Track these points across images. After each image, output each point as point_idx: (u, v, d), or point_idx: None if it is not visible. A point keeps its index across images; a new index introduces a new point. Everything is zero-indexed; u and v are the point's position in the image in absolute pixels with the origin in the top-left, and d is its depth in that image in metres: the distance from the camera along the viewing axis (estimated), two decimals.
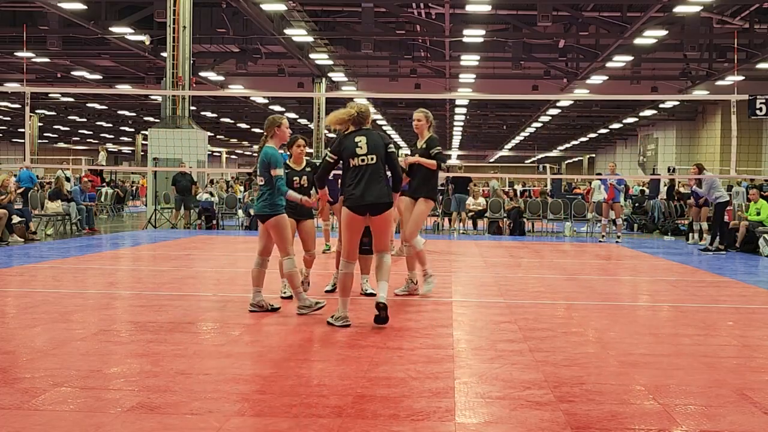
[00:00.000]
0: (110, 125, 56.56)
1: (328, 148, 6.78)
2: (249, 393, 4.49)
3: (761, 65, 26.69)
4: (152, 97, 37.49)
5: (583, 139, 58.89)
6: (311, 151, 37.52)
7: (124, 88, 35.54)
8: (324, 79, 32.95)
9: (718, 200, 14.97)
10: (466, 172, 37.99)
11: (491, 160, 76.75)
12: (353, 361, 5.30)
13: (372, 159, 6.46)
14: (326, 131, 35.65)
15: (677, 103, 38.47)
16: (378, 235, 6.63)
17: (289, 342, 6.10)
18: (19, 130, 54.11)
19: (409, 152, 12.18)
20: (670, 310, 8.03)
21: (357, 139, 6.52)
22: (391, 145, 6.65)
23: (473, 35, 25.29)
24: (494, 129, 55.88)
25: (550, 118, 45.33)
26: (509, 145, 67.53)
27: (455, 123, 50.64)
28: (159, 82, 26.20)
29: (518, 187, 35.68)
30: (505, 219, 19.95)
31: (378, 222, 6.51)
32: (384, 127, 49.28)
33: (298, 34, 25.51)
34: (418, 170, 8.13)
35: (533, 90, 31.60)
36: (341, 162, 6.63)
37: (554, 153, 73.06)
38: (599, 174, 28.71)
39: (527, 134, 55.78)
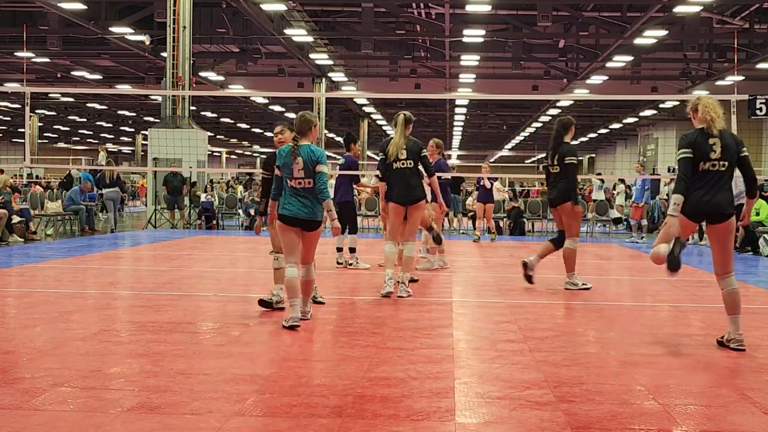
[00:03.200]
0: (110, 125, 56.51)
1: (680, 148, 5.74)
2: (249, 393, 4.48)
3: (761, 65, 26.66)
4: (152, 97, 37.43)
5: (583, 139, 58.79)
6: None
7: (124, 88, 35.51)
8: (324, 79, 32.92)
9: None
10: (467, 172, 37.97)
11: (491, 160, 76.74)
12: (353, 361, 5.30)
13: (723, 165, 5.67)
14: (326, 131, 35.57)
15: (677, 103, 38.41)
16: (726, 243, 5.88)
17: (289, 342, 6.10)
18: (19, 130, 54.06)
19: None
20: (670, 310, 8.03)
21: (711, 141, 5.67)
22: (744, 149, 5.81)
23: (473, 35, 25.26)
24: (494, 129, 55.82)
25: (550, 118, 45.23)
26: (509, 145, 67.48)
27: (455, 123, 50.58)
28: (159, 82, 26.20)
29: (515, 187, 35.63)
30: (505, 219, 19.93)
31: (722, 231, 5.73)
32: (384, 128, 49.24)
33: (298, 34, 25.49)
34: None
35: (533, 90, 31.55)
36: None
37: None
38: (599, 174, 28.72)
39: (527, 134, 55.74)
